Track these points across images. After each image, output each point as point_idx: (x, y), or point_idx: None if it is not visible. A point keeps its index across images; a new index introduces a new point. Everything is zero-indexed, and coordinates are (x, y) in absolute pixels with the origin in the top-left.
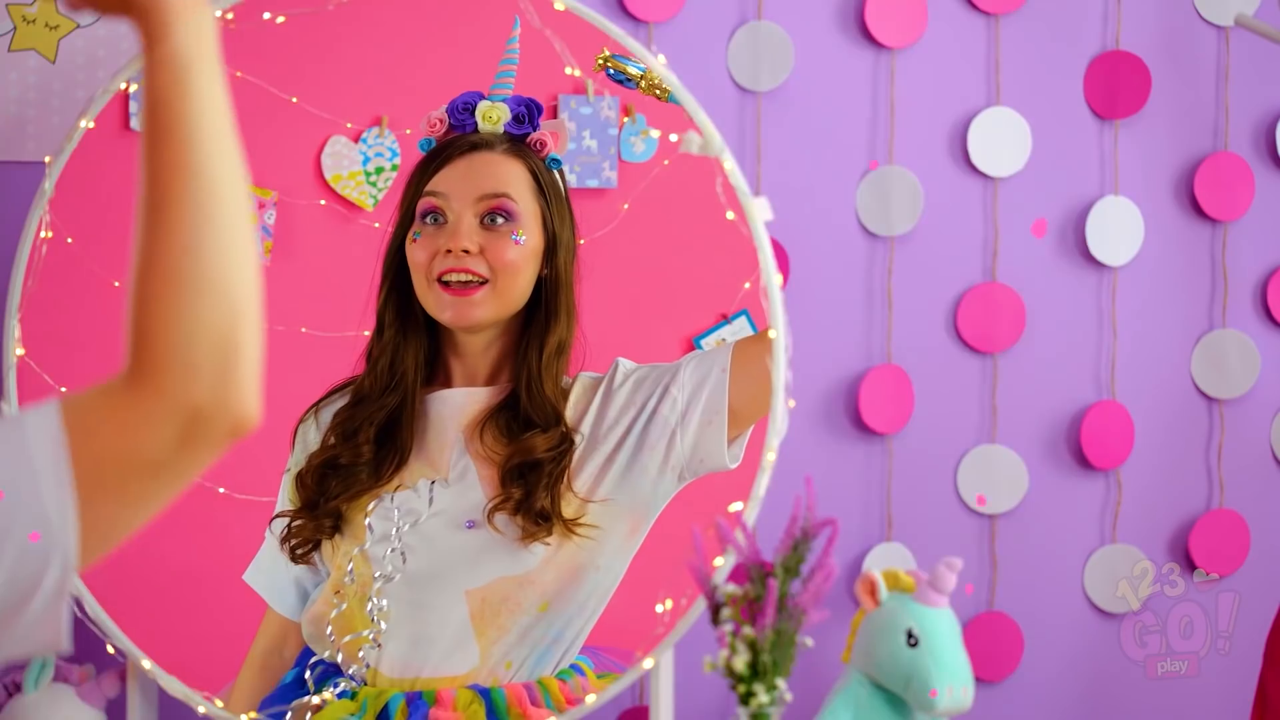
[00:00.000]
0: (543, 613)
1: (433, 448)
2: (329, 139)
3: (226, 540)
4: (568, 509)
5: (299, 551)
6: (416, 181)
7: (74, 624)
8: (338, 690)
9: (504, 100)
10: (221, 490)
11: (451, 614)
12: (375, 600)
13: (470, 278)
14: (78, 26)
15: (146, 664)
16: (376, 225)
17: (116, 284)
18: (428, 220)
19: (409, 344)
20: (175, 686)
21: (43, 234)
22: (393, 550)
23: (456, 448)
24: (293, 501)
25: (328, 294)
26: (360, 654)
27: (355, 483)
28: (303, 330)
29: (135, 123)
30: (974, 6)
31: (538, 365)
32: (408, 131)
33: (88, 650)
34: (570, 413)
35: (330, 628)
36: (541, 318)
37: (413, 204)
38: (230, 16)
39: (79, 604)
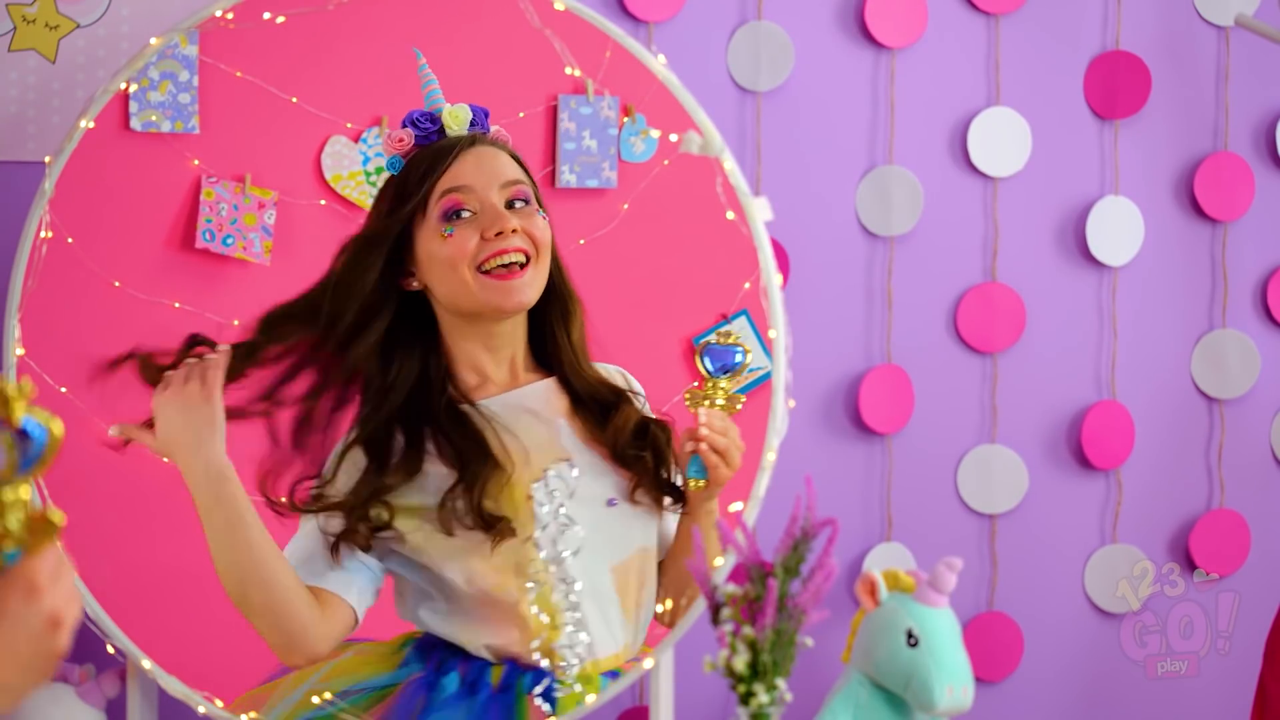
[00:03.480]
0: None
1: (548, 431)
2: (329, 139)
3: None
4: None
5: (363, 537)
6: (417, 188)
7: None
8: (540, 691)
9: (453, 106)
10: None
11: (603, 590)
12: (567, 585)
13: (515, 258)
14: (78, 26)
15: (146, 664)
16: None
17: (117, 284)
18: (454, 217)
19: (425, 358)
20: (175, 686)
21: (43, 234)
22: (561, 530)
23: (565, 435)
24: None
25: None
26: (545, 647)
27: (498, 483)
28: None
29: (135, 123)
30: (974, 6)
31: (573, 351)
32: None
33: (88, 650)
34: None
35: (539, 615)
36: (558, 304)
37: (411, 214)
38: (230, 16)
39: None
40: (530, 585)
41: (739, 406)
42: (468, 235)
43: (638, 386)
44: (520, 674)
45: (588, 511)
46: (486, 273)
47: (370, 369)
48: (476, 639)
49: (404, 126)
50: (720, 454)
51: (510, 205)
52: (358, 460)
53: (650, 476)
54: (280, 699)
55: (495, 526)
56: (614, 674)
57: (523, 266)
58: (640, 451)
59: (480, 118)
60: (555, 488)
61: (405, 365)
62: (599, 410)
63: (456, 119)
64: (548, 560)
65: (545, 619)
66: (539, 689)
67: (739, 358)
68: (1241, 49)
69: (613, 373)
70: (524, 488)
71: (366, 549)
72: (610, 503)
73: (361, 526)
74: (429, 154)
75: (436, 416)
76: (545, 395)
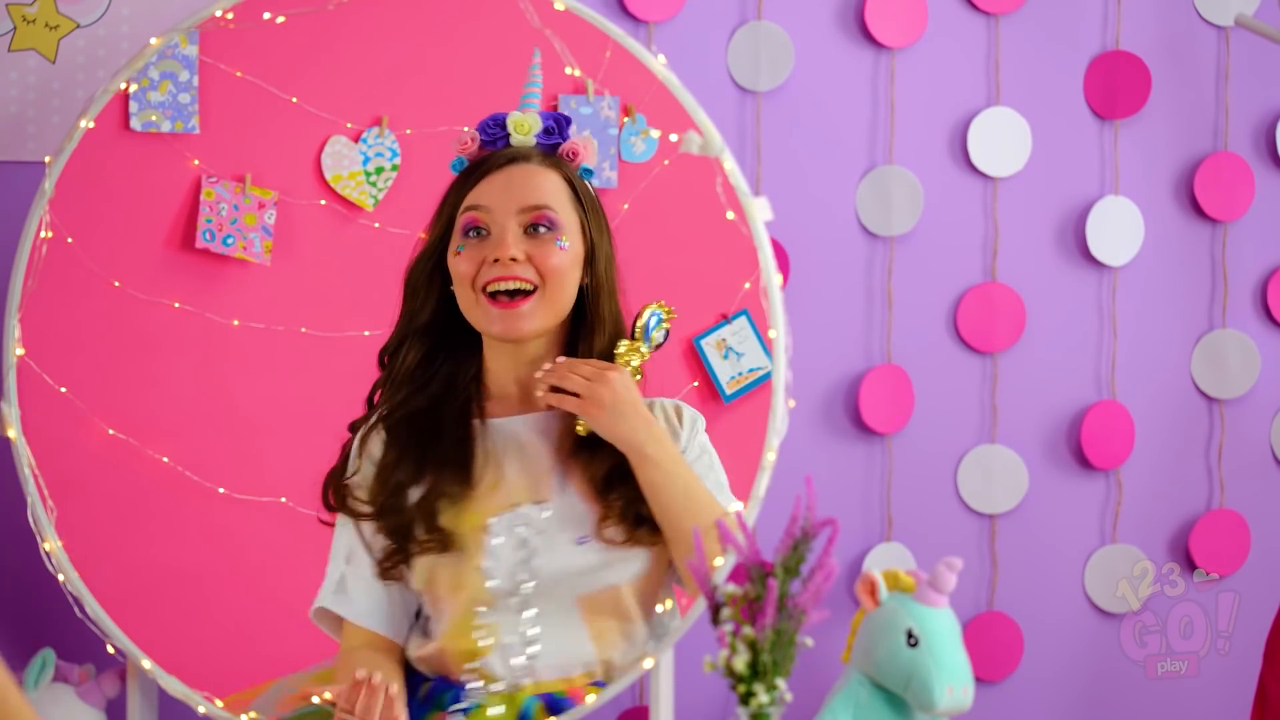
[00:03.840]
0: (644, 622)
1: (531, 469)
2: (329, 139)
3: (227, 541)
4: None
5: (388, 566)
6: (454, 197)
7: (74, 624)
8: (461, 707)
9: (534, 110)
10: (222, 490)
11: (569, 621)
12: (515, 614)
13: (518, 285)
14: (78, 26)
15: (146, 664)
16: (377, 225)
17: (117, 284)
18: (470, 235)
19: (453, 359)
20: (175, 686)
21: (43, 234)
22: (521, 563)
23: (555, 469)
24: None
25: (328, 294)
26: (478, 665)
27: (460, 501)
28: (303, 330)
29: (135, 123)
30: (974, 6)
31: None
32: (408, 131)
33: (88, 650)
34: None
35: (483, 635)
36: (585, 326)
37: (450, 220)
38: (230, 16)
39: (79, 604)
40: (481, 610)
41: (638, 377)
42: (475, 255)
43: (686, 422)
44: (447, 689)
45: (555, 548)
46: (491, 297)
47: (411, 361)
48: (412, 650)
49: (477, 127)
50: (560, 389)
51: (533, 229)
52: (375, 449)
53: (617, 514)
54: (267, 694)
55: (444, 542)
56: (550, 696)
57: (527, 295)
58: (613, 491)
59: (557, 126)
60: (519, 525)
61: (445, 366)
62: (607, 446)
63: (522, 127)
64: (497, 590)
65: (489, 641)
66: (457, 706)
67: (656, 330)
68: (1241, 49)
69: (666, 408)
70: (481, 516)
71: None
72: (580, 540)
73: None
74: (478, 162)
75: (446, 422)
76: (550, 426)
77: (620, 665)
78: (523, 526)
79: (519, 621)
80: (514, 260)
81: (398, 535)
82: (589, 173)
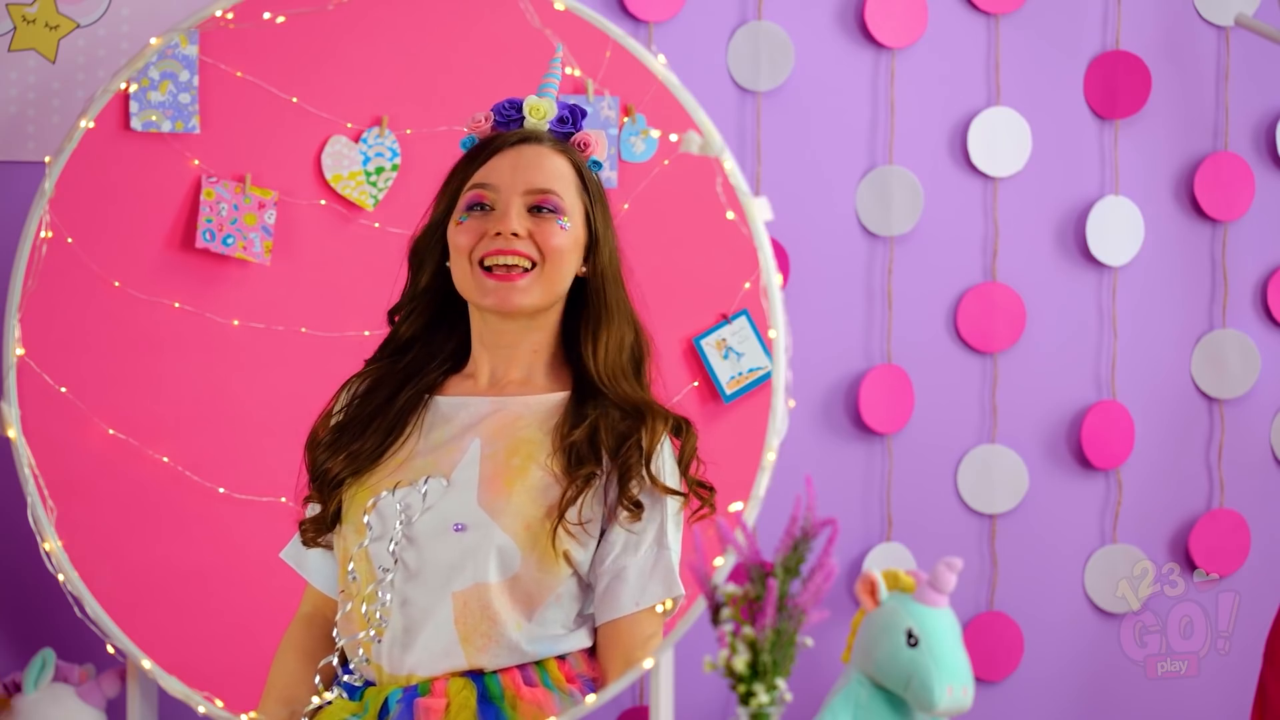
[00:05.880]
0: (520, 630)
1: (445, 447)
2: (329, 139)
3: (227, 540)
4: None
5: (309, 535)
6: (461, 173)
7: (74, 624)
8: (341, 688)
9: (551, 97)
10: (221, 490)
11: (439, 614)
12: (379, 597)
13: (516, 261)
14: (78, 26)
15: (146, 664)
16: (377, 225)
17: (117, 284)
18: (475, 209)
19: (445, 332)
20: (175, 686)
21: (43, 234)
22: (392, 548)
23: (470, 452)
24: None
25: (328, 294)
26: (359, 652)
27: (360, 471)
28: (303, 330)
29: (135, 123)
30: (974, 6)
31: (597, 371)
32: (408, 131)
33: (88, 650)
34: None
35: (336, 629)
36: (590, 315)
37: (456, 195)
38: (230, 16)
39: (79, 604)
40: (357, 579)
41: None
42: (476, 228)
43: (666, 453)
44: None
45: (435, 531)
46: (487, 269)
47: (407, 328)
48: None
49: (493, 108)
50: None
51: (536, 210)
52: (343, 402)
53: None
54: None
55: (338, 510)
56: (413, 691)
57: (525, 271)
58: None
59: (573, 118)
60: (410, 503)
61: (437, 336)
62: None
63: (538, 111)
64: (377, 559)
65: (366, 619)
66: (342, 679)
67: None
68: (1241, 49)
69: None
70: (370, 494)
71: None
72: (456, 527)
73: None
74: (488, 140)
75: (404, 391)
76: (488, 411)
77: (489, 670)
78: (415, 503)
79: (396, 605)
80: (515, 235)
81: (315, 488)
82: (598, 165)
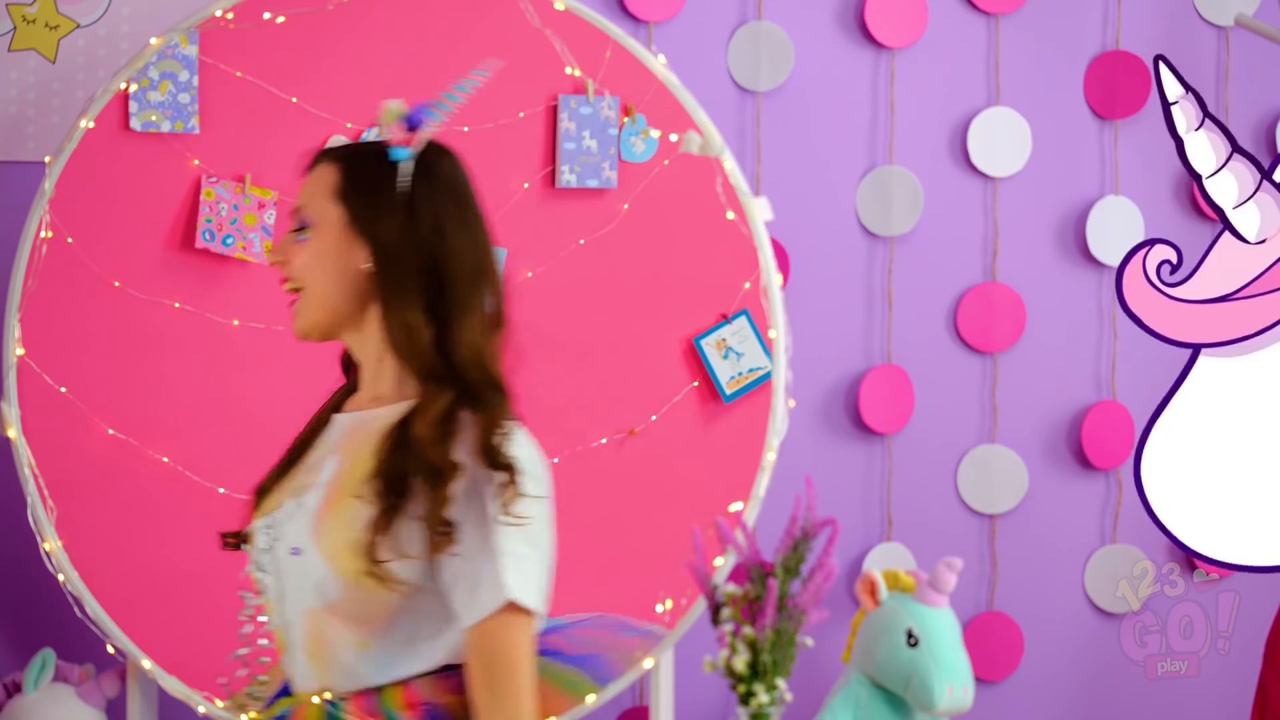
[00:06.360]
0: (363, 650)
1: (313, 468)
2: (329, 139)
3: None
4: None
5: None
6: None
7: (74, 624)
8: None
9: (436, 106)
10: (221, 490)
11: (295, 635)
12: (268, 616)
13: (289, 287)
14: (78, 26)
15: (146, 664)
16: None
17: (117, 284)
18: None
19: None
20: (175, 686)
21: (43, 234)
22: (256, 571)
23: (325, 473)
24: None
25: None
26: (245, 672)
27: (264, 492)
28: None
29: (135, 123)
30: (974, 6)
31: (405, 357)
32: None
33: (88, 650)
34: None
35: (250, 628)
36: (389, 332)
37: None
38: (230, 16)
39: (79, 604)
40: (246, 594)
41: None
42: None
43: (497, 472)
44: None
45: (281, 557)
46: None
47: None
48: None
49: None
50: None
51: (294, 233)
52: None
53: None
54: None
55: (244, 533)
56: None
57: (296, 293)
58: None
59: (418, 118)
60: (276, 525)
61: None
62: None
63: (388, 114)
64: (255, 578)
65: (250, 632)
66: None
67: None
68: (1241, 49)
69: (515, 442)
70: (270, 506)
71: None
72: (293, 551)
73: None
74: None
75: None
76: (349, 428)
77: (339, 693)
78: (284, 519)
79: (279, 625)
80: (277, 263)
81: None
82: (399, 154)
